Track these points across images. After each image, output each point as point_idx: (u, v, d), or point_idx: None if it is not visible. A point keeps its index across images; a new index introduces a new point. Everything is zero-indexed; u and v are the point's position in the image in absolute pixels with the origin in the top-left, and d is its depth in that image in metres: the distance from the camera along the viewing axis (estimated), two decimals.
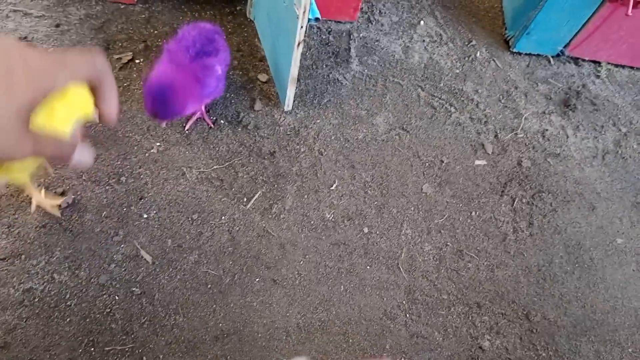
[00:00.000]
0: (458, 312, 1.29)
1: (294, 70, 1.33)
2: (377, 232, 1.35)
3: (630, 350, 1.35)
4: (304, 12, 1.17)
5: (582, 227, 1.48)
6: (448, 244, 1.37)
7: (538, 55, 1.78)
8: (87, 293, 1.15)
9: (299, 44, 1.25)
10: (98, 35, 1.45)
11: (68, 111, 0.77)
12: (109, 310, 1.14)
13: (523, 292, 1.35)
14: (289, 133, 1.44)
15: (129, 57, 1.43)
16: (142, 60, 1.44)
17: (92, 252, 1.18)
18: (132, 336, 1.12)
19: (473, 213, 1.43)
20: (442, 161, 1.49)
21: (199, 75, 1.19)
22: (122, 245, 1.19)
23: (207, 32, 1.22)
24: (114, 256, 1.18)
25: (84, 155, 0.83)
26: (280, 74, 1.44)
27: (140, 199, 1.25)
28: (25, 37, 1.35)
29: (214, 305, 1.18)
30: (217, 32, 1.25)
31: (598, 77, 1.79)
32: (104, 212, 1.22)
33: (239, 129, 1.40)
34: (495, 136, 1.57)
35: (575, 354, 1.30)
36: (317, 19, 1.64)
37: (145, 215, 1.23)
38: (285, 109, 1.47)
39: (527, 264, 1.39)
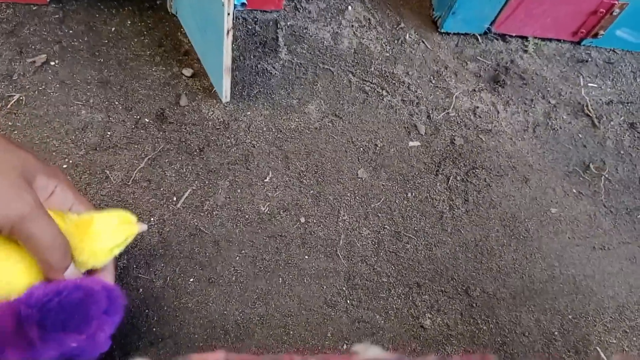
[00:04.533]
0: (398, 294, 1.29)
1: (227, 60, 1.30)
2: (314, 221, 1.33)
3: (570, 317, 1.38)
4: None
5: (516, 200, 1.50)
6: (386, 226, 1.37)
7: (466, 34, 1.79)
8: None
9: (228, 32, 1.22)
10: (10, 40, 1.38)
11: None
12: None
13: (462, 268, 1.36)
14: (218, 127, 1.40)
15: (43, 60, 1.37)
16: (57, 62, 1.38)
17: None
18: None
19: (409, 194, 1.43)
20: (377, 145, 1.49)
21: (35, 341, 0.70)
22: None
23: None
24: None
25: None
26: (213, 67, 1.41)
27: None
28: None
29: (147, 311, 1.14)
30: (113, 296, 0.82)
31: (526, 51, 1.82)
32: None
33: (165, 126, 1.36)
34: (428, 117, 1.58)
35: (515, 324, 1.32)
36: (243, 4, 1.59)
37: None
38: (224, 100, 1.44)
39: (465, 240, 1.40)
